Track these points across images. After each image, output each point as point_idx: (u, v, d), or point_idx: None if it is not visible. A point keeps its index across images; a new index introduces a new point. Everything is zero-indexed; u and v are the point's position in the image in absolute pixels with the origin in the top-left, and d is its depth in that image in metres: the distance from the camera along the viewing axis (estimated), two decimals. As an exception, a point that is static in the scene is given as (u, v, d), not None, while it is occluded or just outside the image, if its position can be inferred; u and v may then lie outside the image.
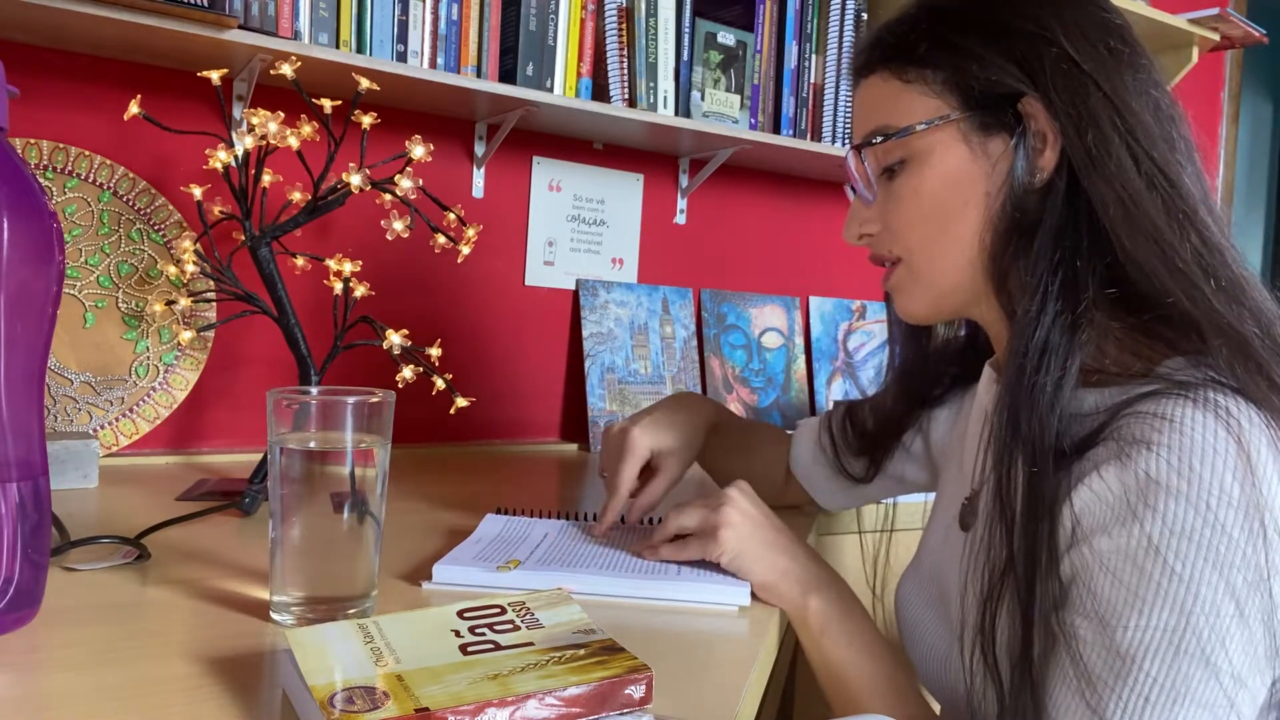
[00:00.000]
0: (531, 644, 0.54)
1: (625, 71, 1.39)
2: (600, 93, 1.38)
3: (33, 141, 1.13)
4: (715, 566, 0.77)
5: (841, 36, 1.61)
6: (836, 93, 1.61)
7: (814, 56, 1.61)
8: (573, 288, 1.57)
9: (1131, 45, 0.66)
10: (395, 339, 0.99)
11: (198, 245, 0.99)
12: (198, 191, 0.97)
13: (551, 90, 1.31)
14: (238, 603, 0.67)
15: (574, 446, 1.53)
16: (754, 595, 0.75)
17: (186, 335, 1.04)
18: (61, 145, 1.14)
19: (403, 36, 1.21)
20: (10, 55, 1.10)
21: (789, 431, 1.07)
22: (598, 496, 1.18)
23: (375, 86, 0.98)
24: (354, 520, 0.64)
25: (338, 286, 1.02)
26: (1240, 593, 0.53)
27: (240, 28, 1.08)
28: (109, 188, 1.17)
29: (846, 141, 1.61)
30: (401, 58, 1.21)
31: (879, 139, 0.70)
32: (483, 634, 0.55)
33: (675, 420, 0.92)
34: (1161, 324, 0.62)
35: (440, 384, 1.02)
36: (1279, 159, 2.94)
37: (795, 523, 0.98)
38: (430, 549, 0.83)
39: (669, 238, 1.67)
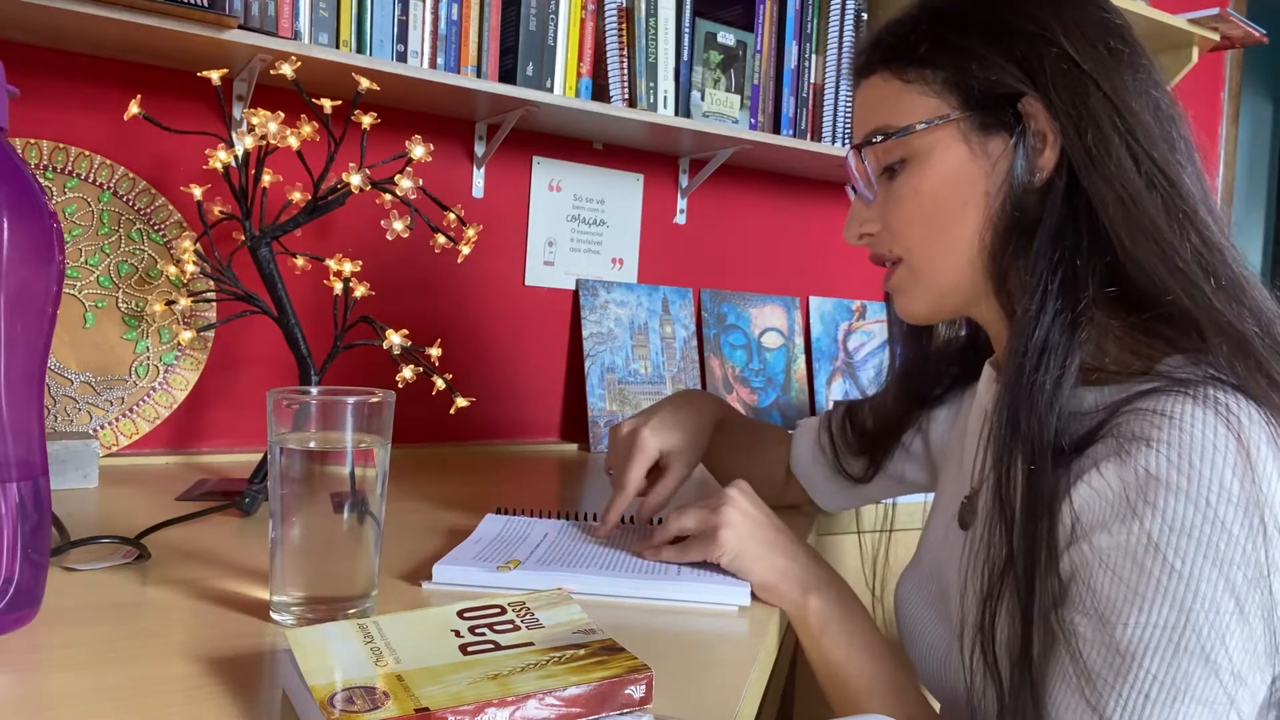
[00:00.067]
0: (531, 644, 0.54)
1: (625, 71, 1.39)
2: (600, 93, 1.38)
3: (33, 141, 1.13)
4: (715, 566, 0.77)
5: (841, 36, 1.61)
6: (836, 93, 1.61)
7: (814, 56, 1.61)
8: (573, 288, 1.57)
9: (1131, 45, 0.66)
10: (395, 339, 0.99)
11: (198, 245, 0.99)
12: (198, 191, 0.97)
13: (551, 90, 1.31)
14: (238, 603, 0.67)
15: (574, 446, 1.53)
16: (754, 595, 0.75)
17: (186, 335, 1.04)
18: (61, 145, 1.14)
19: (403, 36, 1.21)
20: (10, 55, 1.10)
21: (790, 431, 1.07)
22: (598, 496, 1.18)
23: (375, 86, 0.98)
24: (354, 520, 0.64)
25: (338, 286, 1.02)
26: (1240, 590, 0.53)
27: (240, 28, 1.08)
28: (109, 188, 1.17)
29: (846, 141, 1.61)
30: (401, 58, 1.21)
31: (879, 138, 0.70)
32: (483, 634, 0.55)
33: (682, 419, 0.92)
34: (1161, 322, 0.62)
35: (440, 384, 1.02)
36: (1279, 159, 2.94)
37: (795, 523, 0.98)
38: (430, 549, 0.83)
39: (669, 238, 1.67)
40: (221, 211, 0.99)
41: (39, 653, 0.57)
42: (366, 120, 0.96)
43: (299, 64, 0.96)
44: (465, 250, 1.03)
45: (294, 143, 0.94)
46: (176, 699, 0.52)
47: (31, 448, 0.60)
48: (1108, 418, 0.58)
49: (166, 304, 1.06)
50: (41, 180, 1.10)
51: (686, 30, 1.46)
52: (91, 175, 1.16)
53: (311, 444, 0.63)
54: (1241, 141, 2.78)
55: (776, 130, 1.58)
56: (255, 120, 0.93)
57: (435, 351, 1.04)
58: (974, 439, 0.74)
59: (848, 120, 1.61)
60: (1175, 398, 0.56)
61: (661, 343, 1.60)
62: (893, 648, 0.73)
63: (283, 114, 0.94)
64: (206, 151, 0.95)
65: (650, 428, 0.89)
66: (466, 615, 0.57)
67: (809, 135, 1.60)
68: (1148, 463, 0.55)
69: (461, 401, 1.03)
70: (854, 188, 0.75)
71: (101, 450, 1.14)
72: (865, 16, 1.63)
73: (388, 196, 0.98)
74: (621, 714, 0.51)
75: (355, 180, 0.94)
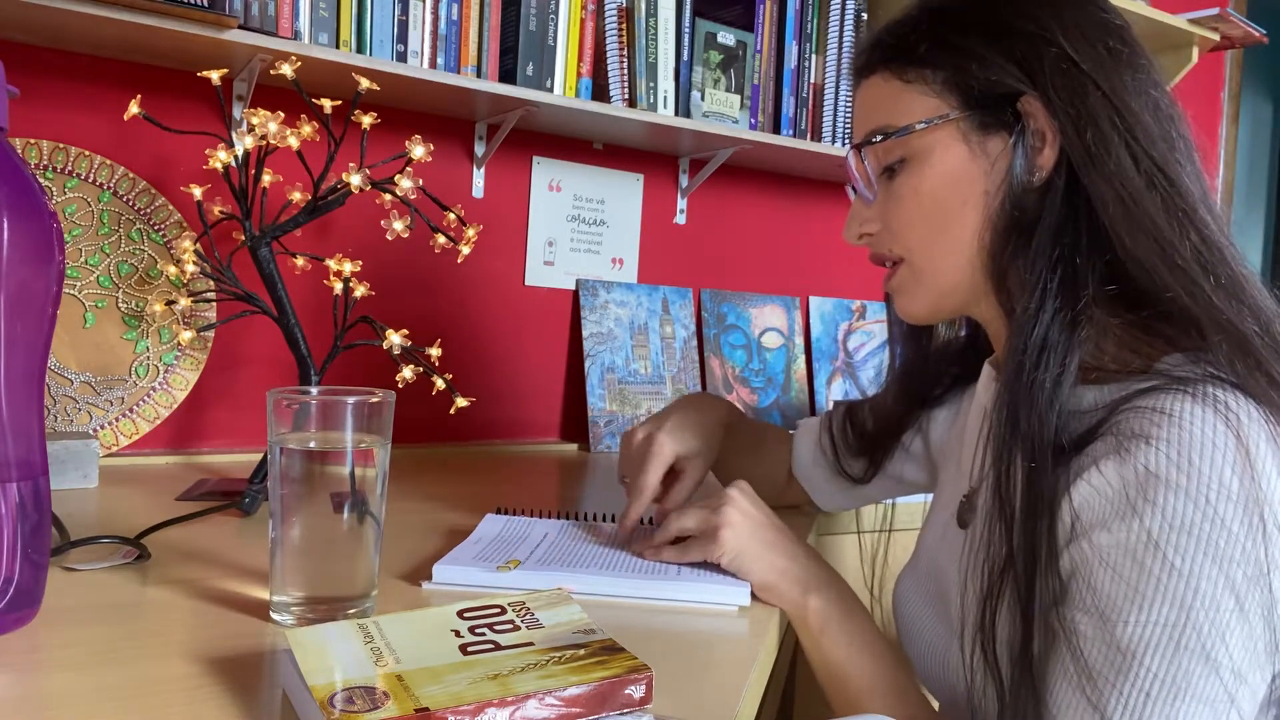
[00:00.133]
0: (531, 644, 0.54)
1: (625, 71, 1.39)
2: (600, 93, 1.38)
3: (33, 141, 1.13)
4: (715, 566, 0.77)
5: (841, 36, 1.61)
6: (836, 93, 1.61)
7: (814, 56, 1.61)
8: (573, 288, 1.57)
9: (1131, 45, 0.66)
10: (395, 339, 0.99)
11: (198, 245, 0.99)
12: (198, 191, 0.97)
13: (551, 90, 1.31)
14: (238, 603, 0.67)
15: (574, 446, 1.53)
16: (754, 595, 0.75)
17: (186, 335, 1.04)
18: (61, 145, 1.14)
19: (403, 36, 1.21)
20: (10, 55, 1.10)
21: (790, 432, 1.07)
22: (598, 496, 1.18)
23: (375, 86, 0.98)
24: (354, 520, 0.64)
25: (338, 286, 1.02)
26: (1240, 587, 0.53)
27: (240, 28, 1.08)
28: (109, 188, 1.17)
29: (846, 141, 1.61)
30: (401, 58, 1.21)
31: (879, 138, 0.71)
32: (483, 634, 0.55)
33: (695, 422, 0.92)
34: (1161, 321, 0.62)
35: (440, 384, 1.02)
36: (1279, 159, 2.94)
37: (795, 523, 0.98)
38: (430, 549, 0.83)
39: (669, 238, 1.67)
40: (221, 211, 0.99)
41: (39, 653, 0.57)
42: (366, 120, 0.96)
43: (299, 64, 0.96)
44: (465, 250, 1.03)
45: (294, 143, 0.94)
46: (176, 699, 0.52)
47: (31, 448, 0.60)
48: (1107, 416, 0.58)
49: (166, 304, 1.06)
50: (41, 180, 1.10)
51: (686, 30, 1.46)
52: (91, 175, 1.16)
53: (311, 444, 0.63)
54: (1241, 141, 2.78)
55: (776, 130, 1.58)
56: (255, 120, 0.93)
57: (435, 351, 1.04)
58: (973, 438, 0.74)
59: (848, 120, 1.61)
60: (1175, 396, 0.56)
61: (661, 343, 1.60)
62: (893, 647, 0.73)
63: (283, 114, 0.94)
64: (206, 151, 0.95)
65: (666, 431, 0.89)
66: (466, 615, 0.57)
67: (809, 135, 1.60)
68: (1147, 460, 0.55)
69: (461, 401, 1.03)
70: (854, 188, 0.75)
71: (101, 450, 1.14)
72: (865, 16, 1.63)
73: (388, 196, 0.98)
74: (621, 714, 0.51)
75: (355, 180, 0.94)
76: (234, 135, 1.14)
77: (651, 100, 1.41)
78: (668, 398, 1.57)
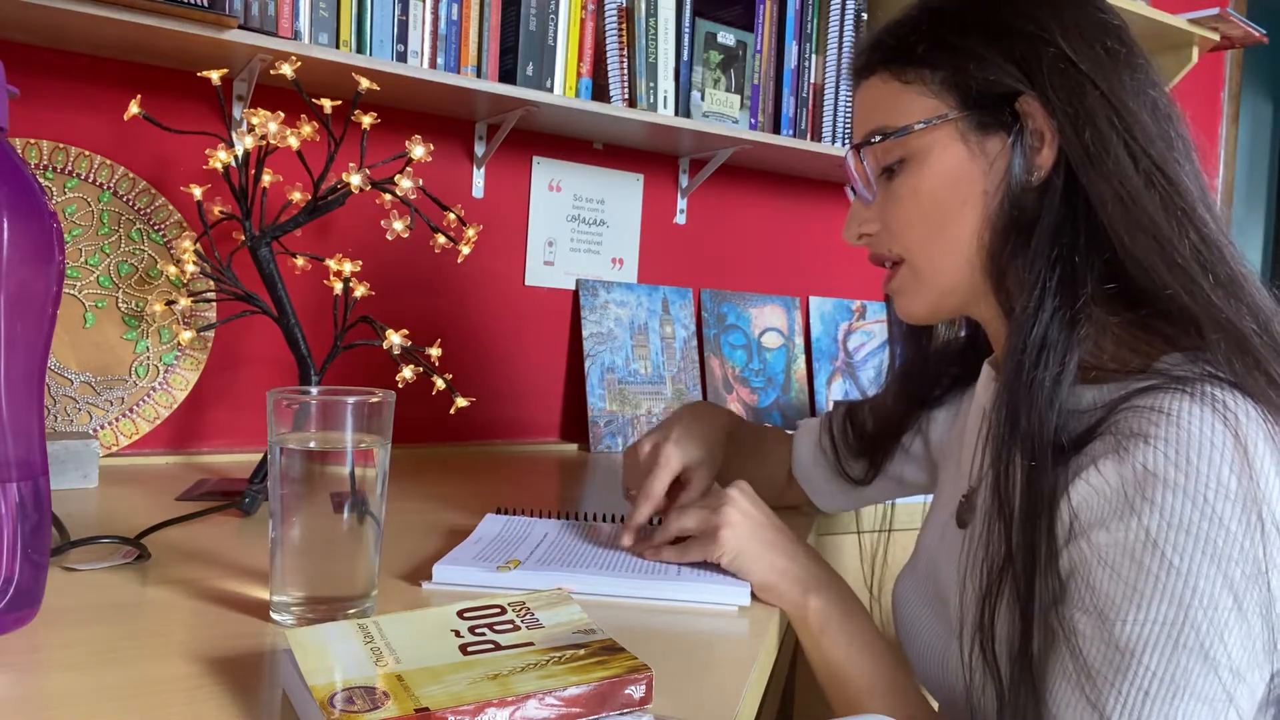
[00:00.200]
0: (531, 644, 0.54)
1: (625, 71, 1.39)
2: (600, 93, 1.38)
3: (33, 141, 1.13)
4: (715, 566, 0.77)
5: (841, 36, 1.61)
6: (836, 93, 1.61)
7: (814, 56, 1.61)
8: (573, 288, 1.57)
9: (1129, 45, 0.66)
10: (395, 339, 0.99)
11: (198, 245, 0.99)
12: (198, 191, 0.97)
13: (551, 90, 1.31)
14: (238, 603, 0.67)
15: (574, 446, 1.53)
16: (754, 595, 0.75)
17: (186, 335, 1.04)
18: (61, 145, 1.14)
19: (403, 36, 1.21)
20: (10, 55, 1.10)
21: (790, 432, 1.08)
22: (598, 496, 1.18)
23: (375, 86, 0.98)
24: (354, 520, 0.64)
25: (338, 286, 1.02)
26: (1238, 586, 0.53)
27: (240, 28, 1.08)
28: (109, 188, 1.17)
29: (846, 141, 1.61)
30: (401, 58, 1.21)
31: (878, 138, 0.71)
32: (483, 634, 0.55)
33: (699, 433, 0.91)
34: (1159, 319, 0.62)
35: (440, 384, 1.02)
36: (1279, 159, 2.94)
37: (795, 523, 0.98)
38: (430, 549, 0.83)
39: (669, 238, 1.67)
40: (221, 211, 0.99)
41: (39, 653, 0.57)
42: (366, 120, 0.96)
43: (299, 64, 0.96)
44: (465, 250, 1.03)
45: (294, 143, 0.94)
46: (176, 699, 0.52)
47: (31, 448, 0.60)
48: (1106, 415, 0.59)
49: (166, 304, 1.06)
50: (41, 180, 1.10)
51: (686, 30, 1.46)
52: (91, 175, 1.16)
53: (311, 444, 0.63)
54: (1241, 141, 2.78)
55: (776, 130, 1.58)
56: (255, 120, 0.93)
57: (435, 351, 1.04)
58: (972, 438, 0.74)
59: (848, 120, 1.61)
60: (1173, 395, 0.56)
61: (661, 343, 1.60)
62: (893, 648, 0.73)
63: (283, 114, 0.94)
64: (206, 151, 0.95)
65: (673, 442, 0.89)
66: (466, 615, 0.57)
67: (809, 135, 1.60)
68: (1146, 460, 0.55)
69: (461, 401, 1.03)
70: (853, 188, 0.75)
71: (101, 450, 1.14)
72: (865, 16, 1.63)
73: (388, 196, 0.98)
74: (621, 714, 0.51)
75: (355, 180, 0.94)
76: (234, 135, 1.14)
77: (651, 100, 1.41)
78: (668, 398, 1.57)
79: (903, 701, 0.69)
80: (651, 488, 0.86)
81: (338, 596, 0.64)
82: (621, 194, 1.61)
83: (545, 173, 1.53)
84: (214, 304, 1.19)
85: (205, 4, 1.01)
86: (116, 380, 1.17)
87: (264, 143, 0.95)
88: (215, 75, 0.94)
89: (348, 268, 1.03)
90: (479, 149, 1.44)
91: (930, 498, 0.90)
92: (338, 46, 1.17)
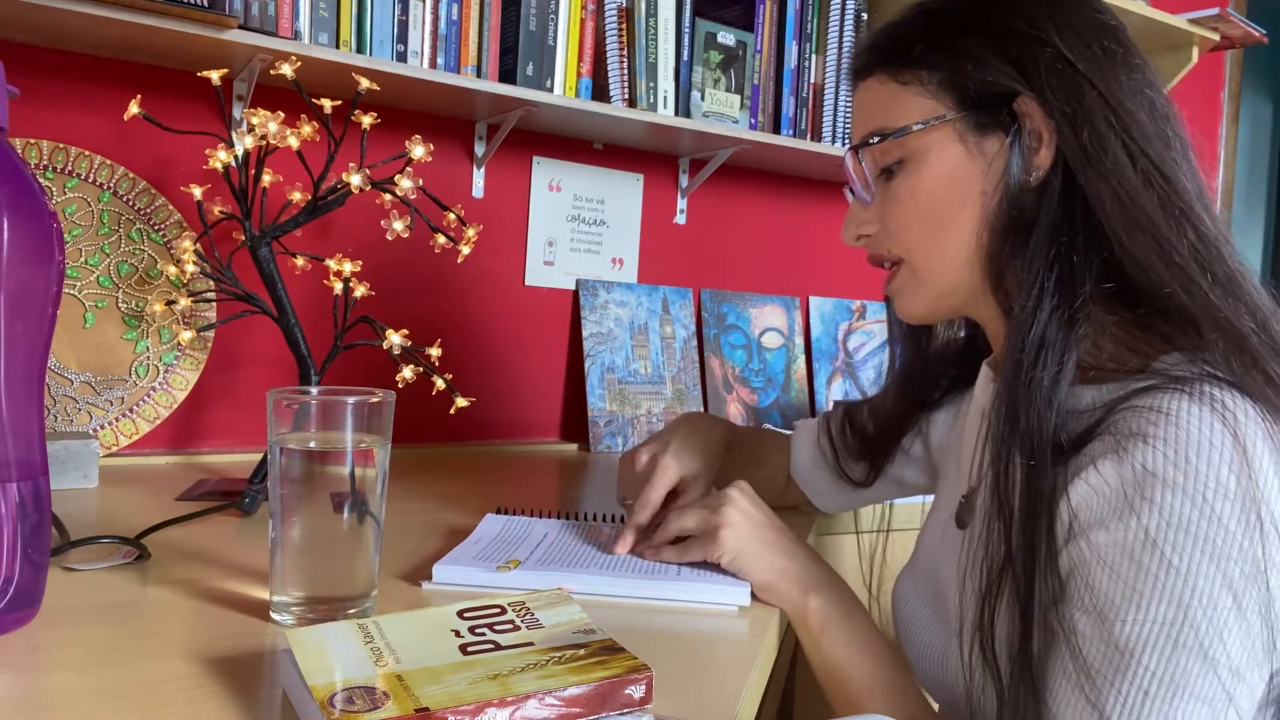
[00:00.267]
0: (531, 644, 0.54)
1: (625, 71, 1.39)
2: (600, 93, 1.38)
3: (33, 141, 1.13)
4: (715, 566, 0.77)
5: (841, 36, 1.61)
6: (836, 93, 1.61)
7: (814, 56, 1.61)
8: (573, 288, 1.57)
9: (1125, 46, 0.66)
10: (395, 339, 0.99)
11: (198, 245, 0.99)
12: (198, 191, 0.97)
13: (551, 90, 1.31)
14: (238, 603, 0.68)
15: (574, 446, 1.53)
16: (754, 595, 0.75)
17: (186, 335, 1.04)
18: (61, 145, 1.14)
19: (403, 36, 1.21)
20: (10, 55, 1.10)
21: (787, 433, 1.07)
22: (598, 496, 1.18)
23: (375, 86, 0.98)
24: (354, 520, 0.64)
25: (338, 286, 1.02)
26: (1237, 586, 0.53)
27: (240, 28, 1.08)
28: (109, 188, 1.17)
29: (846, 141, 1.61)
30: (401, 58, 1.21)
31: (876, 139, 0.71)
32: (483, 634, 0.55)
33: (696, 445, 0.91)
34: (1158, 318, 0.62)
35: (440, 384, 1.02)
36: (1279, 159, 2.94)
37: (795, 523, 0.98)
38: (430, 549, 0.83)
39: (669, 238, 1.67)
40: (221, 211, 0.99)
41: (39, 653, 0.57)
42: (366, 120, 0.96)
43: (299, 64, 0.96)
44: (465, 250, 1.03)
45: (294, 143, 0.94)
46: (176, 699, 0.52)
47: (31, 448, 0.60)
48: (1105, 415, 0.59)
49: (166, 304, 1.06)
50: (41, 180, 1.10)
51: (686, 30, 1.46)
52: (91, 175, 1.16)
53: (311, 444, 0.63)
54: (1241, 141, 2.78)
55: (776, 130, 1.58)
56: (255, 120, 0.93)
57: (435, 351, 1.04)
58: (971, 439, 0.74)
59: (847, 120, 1.61)
60: (1172, 395, 0.56)
61: (661, 343, 1.60)
62: (893, 648, 0.73)
63: (283, 114, 0.94)
64: (206, 151, 0.95)
65: (670, 453, 0.88)
66: (466, 615, 0.57)
67: (809, 135, 1.60)
68: (1145, 459, 0.55)
69: (461, 401, 1.03)
70: (852, 189, 0.75)
71: (101, 450, 1.14)
72: (865, 16, 1.63)
73: (388, 196, 0.98)
74: (621, 714, 0.51)
75: (355, 180, 0.94)
76: (234, 135, 1.14)
77: (651, 100, 1.41)
78: (668, 398, 1.57)
79: (903, 701, 0.69)
80: (649, 497, 0.85)
81: (338, 596, 0.64)
82: (621, 194, 1.61)
83: (545, 173, 1.53)
84: (214, 304, 1.19)
85: (205, 4, 1.01)
86: (116, 380, 1.17)
87: (264, 143, 0.95)
88: (215, 75, 0.94)
89: (348, 268, 1.03)
90: (479, 149, 1.44)
91: (930, 498, 0.90)
92: (338, 46, 1.17)
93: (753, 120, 1.55)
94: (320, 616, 0.63)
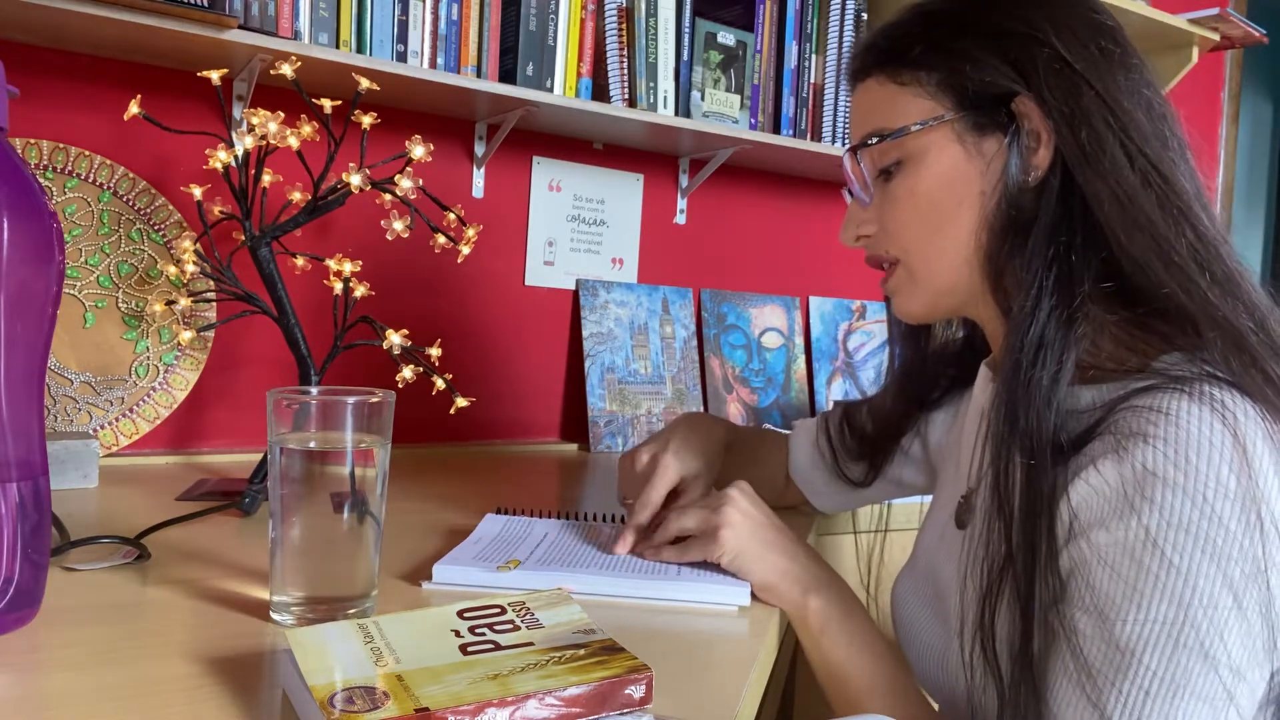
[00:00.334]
0: (531, 644, 0.54)
1: (625, 71, 1.39)
2: (600, 93, 1.38)
3: (33, 141, 1.13)
4: (715, 566, 0.77)
5: (841, 37, 1.61)
6: (836, 93, 1.61)
7: (814, 56, 1.61)
8: (573, 288, 1.57)
9: (1123, 46, 0.66)
10: (395, 339, 0.99)
11: (198, 245, 0.99)
12: (198, 191, 0.97)
13: (551, 90, 1.31)
14: (238, 603, 0.68)
15: (574, 446, 1.53)
16: (754, 595, 0.75)
17: (186, 335, 1.04)
18: (61, 145, 1.14)
19: (403, 36, 1.21)
20: (10, 55, 1.10)
21: (786, 433, 1.07)
22: (598, 496, 1.18)
23: (375, 86, 0.98)
24: (354, 520, 0.64)
25: (338, 286, 1.02)
26: (1238, 585, 0.53)
27: (240, 28, 1.08)
28: (109, 188, 1.17)
29: (846, 142, 1.61)
30: (401, 58, 1.21)
31: (875, 140, 0.71)
32: (483, 634, 0.55)
33: (697, 444, 0.91)
34: (1157, 318, 0.62)
35: (440, 384, 1.02)
36: (1279, 159, 2.94)
37: (794, 523, 0.98)
38: (430, 549, 0.83)
39: (669, 238, 1.67)
40: (221, 211, 0.99)
41: (39, 653, 0.57)
42: (366, 120, 0.96)
43: (299, 64, 0.96)
44: (465, 250, 1.03)
45: (294, 143, 0.94)
46: (176, 699, 0.52)
47: (31, 448, 0.60)
48: (1105, 415, 0.59)
49: (166, 304, 1.06)
50: (41, 180, 1.10)
51: (686, 30, 1.46)
52: (91, 175, 1.16)
53: (311, 444, 0.63)
54: (1241, 141, 2.78)
55: (776, 130, 1.58)
56: (255, 120, 0.93)
57: (435, 351, 1.04)
58: (970, 440, 0.74)
59: (847, 120, 1.61)
60: (1172, 395, 0.56)
61: (661, 343, 1.60)
62: (893, 648, 0.73)
63: (283, 114, 0.94)
64: (206, 151, 0.95)
65: (671, 453, 0.88)
66: (466, 615, 0.58)
67: (809, 135, 1.60)
68: (1145, 459, 0.55)
69: (461, 401, 1.03)
70: (850, 190, 0.75)
71: (101, 450, 1.14)
72: (865, 16, 1.63)
73: (388, 196, 0.98)
74: (621, 714, 0.51)
75: (355, 180, 0.94)
76: (234, 135, 1.14)
77: (651, 100, 1.41)
78: (668, 398, 1.58)
79: (903, 701, 0.69)
80: (649, 496, 0.85)
81: (338, 596, 0.64)
82: (621, 194, 1.61)
83: (545, 173, 1.53)
84: (214, 304, 1.19)
85: (205, 4, 1.01)
86: (116, 380, 1.17)
87: (264, 143, 0.95)
88: (215, 75, 0.94)
89: (348, 268, 1.03)
90: (479, 149, 1.44)
91: (928, 499, 0.90)
92: (338, 46, 1.17)
93: (753, 120, 1.55)
94: (320, 616, 0.63)
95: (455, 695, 0.48)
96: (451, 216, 1.03)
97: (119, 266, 1.17)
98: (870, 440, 0.96)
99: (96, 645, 0.58)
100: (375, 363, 1.21)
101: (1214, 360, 0.58)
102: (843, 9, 1.61)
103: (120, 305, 1.17)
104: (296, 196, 1.01)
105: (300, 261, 1.05)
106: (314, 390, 0.67)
